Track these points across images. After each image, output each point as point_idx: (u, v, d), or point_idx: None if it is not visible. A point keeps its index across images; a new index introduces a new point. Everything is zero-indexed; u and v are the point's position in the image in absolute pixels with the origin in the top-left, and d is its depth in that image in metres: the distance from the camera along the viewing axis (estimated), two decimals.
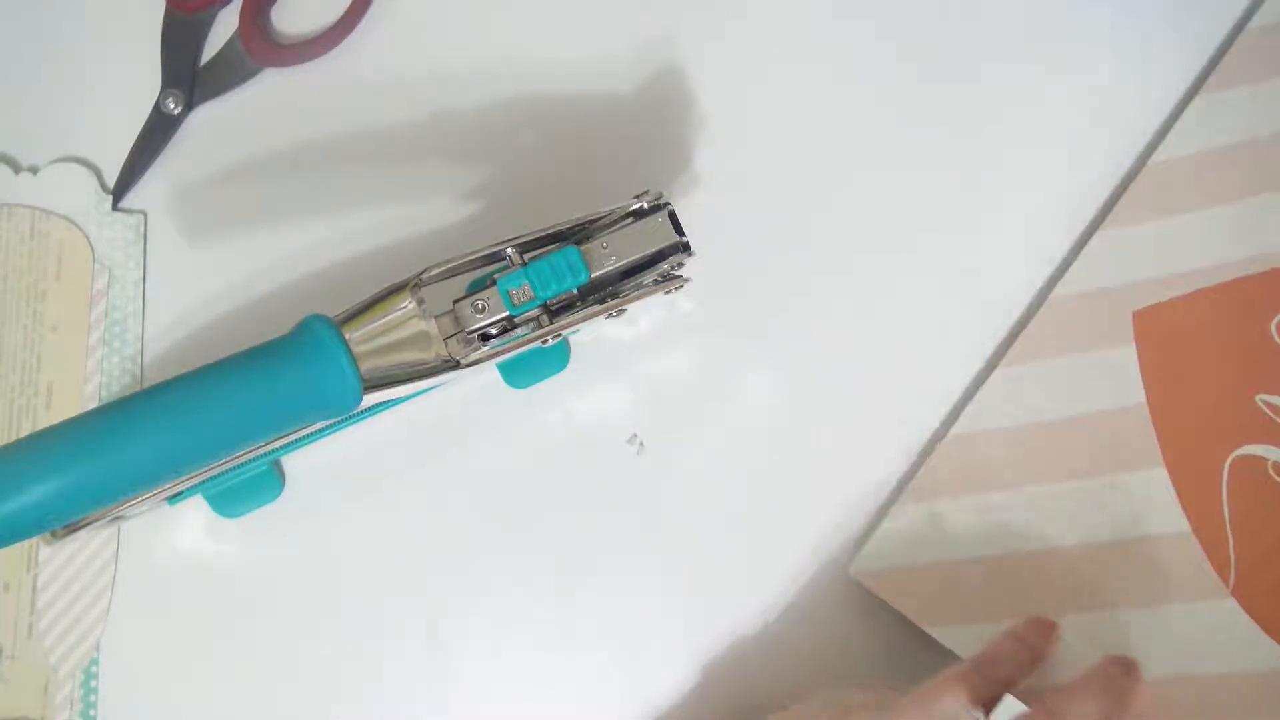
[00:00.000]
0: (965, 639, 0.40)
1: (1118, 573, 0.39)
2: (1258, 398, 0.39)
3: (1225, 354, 0.40)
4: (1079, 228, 0.43)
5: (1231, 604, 0.38)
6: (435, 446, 0.43)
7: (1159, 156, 0.42)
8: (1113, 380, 0.41)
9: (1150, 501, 0.39)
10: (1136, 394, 0.40)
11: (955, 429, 0.42)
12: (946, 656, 0.40)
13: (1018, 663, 0.37)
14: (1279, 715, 0.37)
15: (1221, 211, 0.41)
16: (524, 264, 0.38)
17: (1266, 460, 0.39)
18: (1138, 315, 0.41)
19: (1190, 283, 0.41)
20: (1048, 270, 0.43)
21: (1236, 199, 0.41)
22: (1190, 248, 0.41)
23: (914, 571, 0.41)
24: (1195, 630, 0.39)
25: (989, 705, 0.35)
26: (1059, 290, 0.42)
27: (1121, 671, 0.37)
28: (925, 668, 0.41)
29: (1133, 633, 0.39)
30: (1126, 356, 0.41)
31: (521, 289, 0.37)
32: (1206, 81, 0.43)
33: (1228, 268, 0.41)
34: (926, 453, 0.42)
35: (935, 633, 0.40)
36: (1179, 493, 0.39)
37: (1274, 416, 0.39)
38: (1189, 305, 0.41)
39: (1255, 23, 0.43)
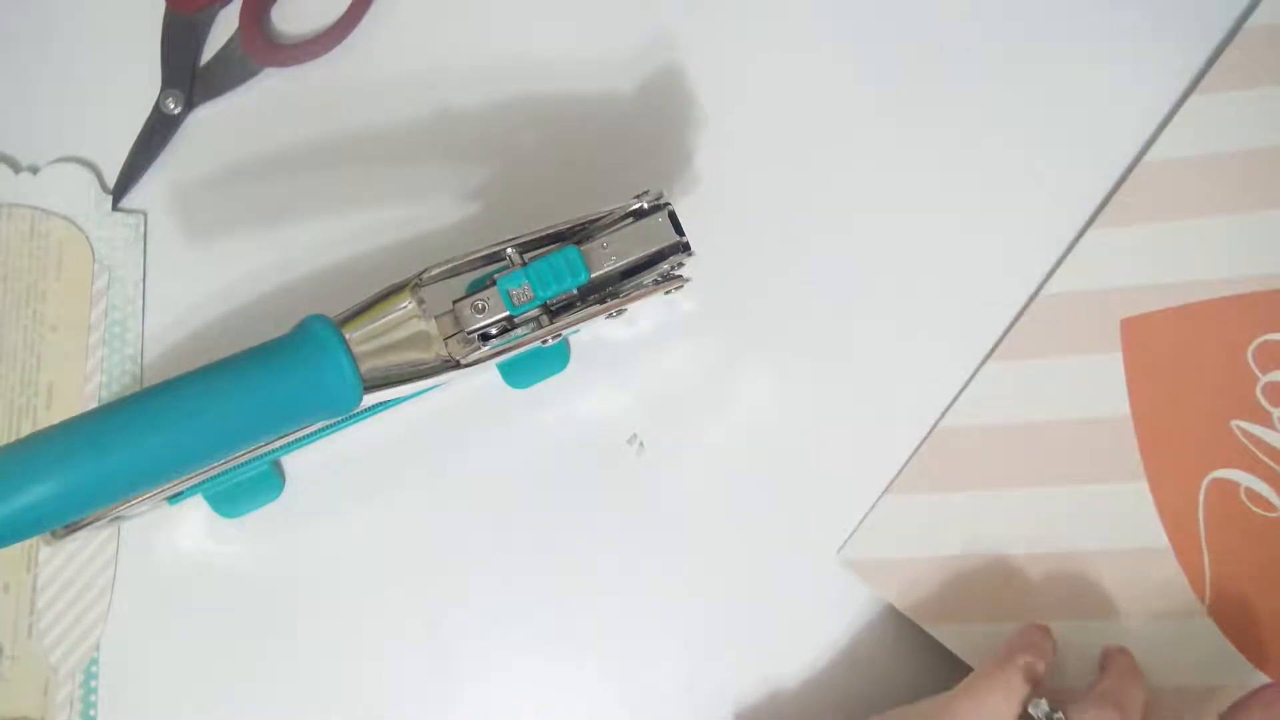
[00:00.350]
0: (952, 631, 0.40)
1: (1097, 582, 0.40)
2: (1233, 423, 0.40)
3: (1207, 374, 0.41)
4: (1077, 227, 0.43)
5: (1208, 621, 0.39)
6: (435, 446, 0.43)
7: (1152, 156, 0.42)
8: (1099, 387, 0.41)
9: (1132, 515, 0.40)
10: (1121, 404, 0.41)
11: (943, 423, 0.42)
12: (937, 649, 0.40)
13: (1045, 654, 0.38)
14: None
15: (1214, 223, 0.42)
16: (524, 264, 0.38)
17: (1240, 486, 0.40)
18: (1125, 323, 0.41)
19: (1178, 295, 0.41)
20: (1045, 269, 0.43)
21: (1230, 211, 0.42)
22: (1181, 257, 0.42)
23: (900, 562, 0.41)
24: (1171, 644, 0.39)
25: (1027, 699, 0.36)
26: (1049, 288, 0.42)
27: (1126, 656, 0.38)
28: (920, 662, 0.41)
29: (1098, 640, 0.40)
30: (1113, 364, 0.41)
31: (521, 289, 0.37)
32: (1203, 80, 0.43)
33: (1215, 285, 0.41)
34: None
35: (922, 623, 0.41)
36: (1159, 509, 0.40)
37: (1247, 444, 0.40)
38: (1176, 319, 0.41)
39: (1254, 21, 0.43)
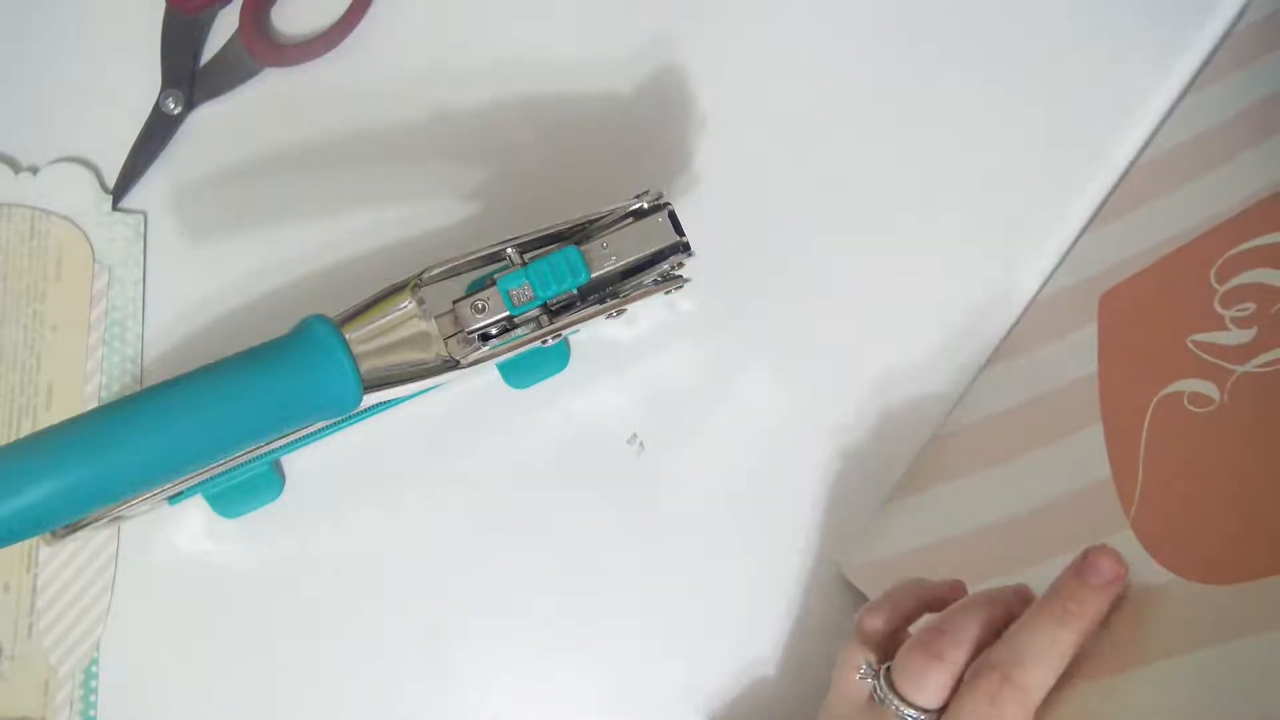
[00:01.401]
0: None
1: (1050, 529, 0.39)
2: (1189, 339, 0.39)
3: (1168, 308, 0.40)
4: (1075, 229, 0.43)
5: (1128, 535, 0.38)
6: (435, 446, 0.43)
7: (1146, 157, 0.43)
8: (1075, 357, 0.41)
9: (1086, 457, 0.39)
10: (1090, 365, 0.40)
11: (939, 430, 0.42)
12: None
13: (917, 598, 0.36)
14: (1158, 632, 0.36)
15: (1192, 185, 0.41)
16: (524, 264, 0.38)
17: (1184, 394, 0.39)
18: (1104, 297, 0.41)
19: (1150, 256, 0.41)
20: (1043, 272, 0.43)
21: (1210, 169, 0.41)
22: (1160, 226, 0.41)
23: (895, 567, 0.41)
24: None
25: (889, 651, 0.34)
26: (1049, 289, 0.42)
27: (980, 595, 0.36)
28: None
29: (1044, 581, 0.38)
30: (1088, 335, 0.41)
31: (521, 289, 0.37)
32: (1196, 80, 0.43)
33: (1185, 233, 0.41)
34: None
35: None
36: (1107, 442, 0.39)
37: (1199, 353, 0.39)
38: (1146, 277, 0.41)
39: (1248, 19, 0.43)
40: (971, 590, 0.38)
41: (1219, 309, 0.39)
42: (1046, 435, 0.40)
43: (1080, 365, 0.41)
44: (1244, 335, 0.38)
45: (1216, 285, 0.39)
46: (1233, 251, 0.40)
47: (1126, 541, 0.37)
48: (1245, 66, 0.42)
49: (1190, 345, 0.39)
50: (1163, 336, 0.40)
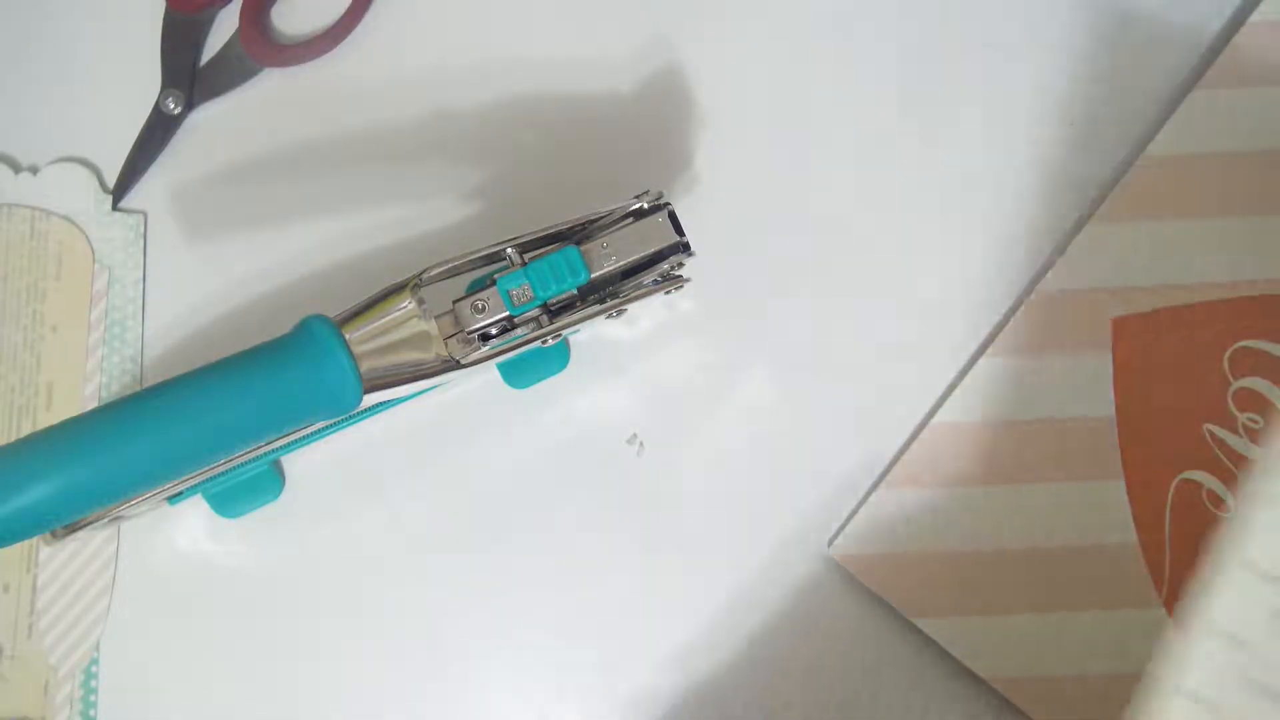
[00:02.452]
0: (938, 624, 0.41)
1: (1072, 576, 0.41)
2: (1205, 426, 0.41)
3: (1186, 378, 0.42)
4: (1073, 221, 0.43)
5: (1161, 613, 0.41)
6: (435, 446, 0.43)
7: (1151, 151, 0.43)
8: (1088, 388, 0.42)
9: (1107, 513, 0.41)
10: (1107, 406, 0.42)
11: (936, 419, 0.42)
12: (923, 642, 0.41)
13: None
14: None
15: (1207, 225, 0.42)
16: (524, 264, 0.38)
17: (1203, 487, 0.41)
18: (1117, 323, 0.42)
19: (1168, 297, 0.42)
20: (1040, 264, 0.43)
21: (1223, 214, 0.42)
22: (1172, 258, 0.42)
23: (890, 557, 0.41)
24: (1126, 633, 0.41)
25: None
26: (1044, 285, 0.42)
27: None
28: (907, 653, 0.41)
29: (1073, 631, 0.41)
30: (1103, 365, 0.42)
31: (521, 289, 0.37)
32: (1205, 75, 0.43)
33: (1202, 288, 0.42)
34: None
35: (910, 616, 0.41)
36: (1133, 508, 0.41)
37: (1214, 447, 0.41)
38: (1165, 321, 0.42)
39: (1256, 17, 0.43)
40: None
41: (1232, 407, 0.41)
42: (1064, 472, 0.42)
43: (1096, 403, 0.42)
44: (1253, 451, 0.41)
45: (1230, 376, 0.41)
46: (1243, 344, 0.41)
47: (1160, 620, 0.41)
48: (1260, 83, 0.43)
49: (1206, 434, 0.41)
50: (1179, 410, 0.42)
